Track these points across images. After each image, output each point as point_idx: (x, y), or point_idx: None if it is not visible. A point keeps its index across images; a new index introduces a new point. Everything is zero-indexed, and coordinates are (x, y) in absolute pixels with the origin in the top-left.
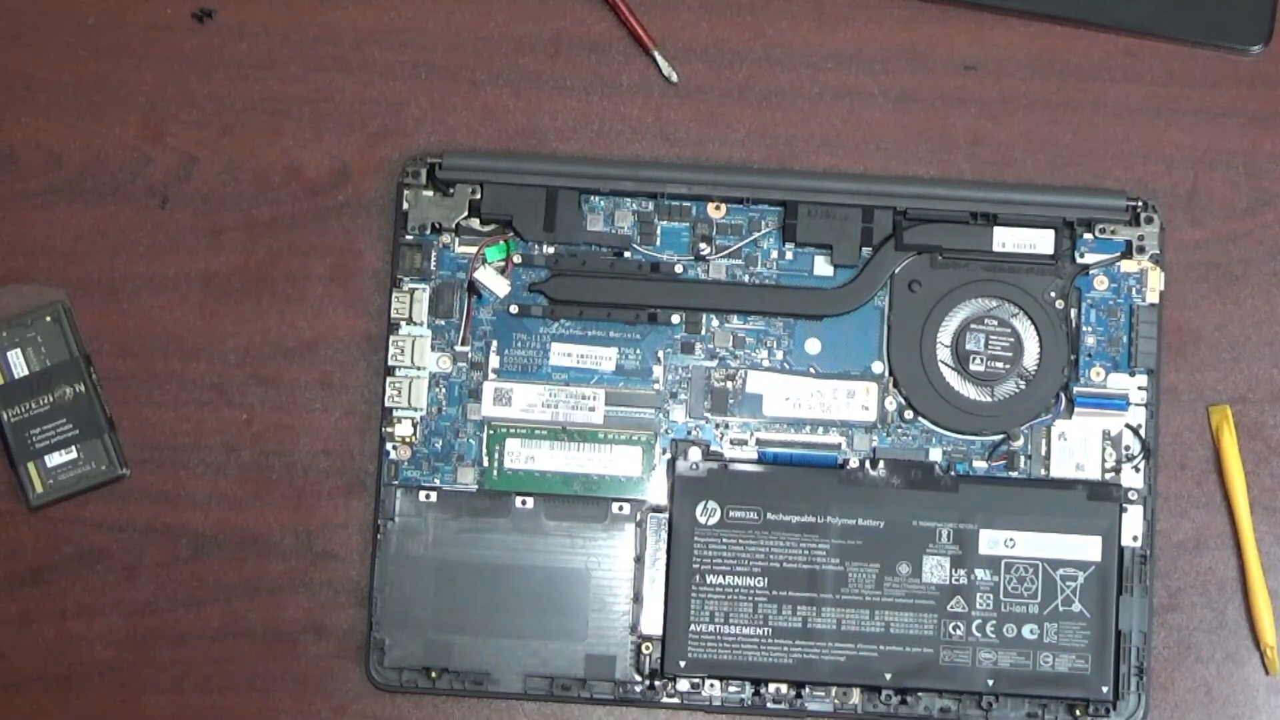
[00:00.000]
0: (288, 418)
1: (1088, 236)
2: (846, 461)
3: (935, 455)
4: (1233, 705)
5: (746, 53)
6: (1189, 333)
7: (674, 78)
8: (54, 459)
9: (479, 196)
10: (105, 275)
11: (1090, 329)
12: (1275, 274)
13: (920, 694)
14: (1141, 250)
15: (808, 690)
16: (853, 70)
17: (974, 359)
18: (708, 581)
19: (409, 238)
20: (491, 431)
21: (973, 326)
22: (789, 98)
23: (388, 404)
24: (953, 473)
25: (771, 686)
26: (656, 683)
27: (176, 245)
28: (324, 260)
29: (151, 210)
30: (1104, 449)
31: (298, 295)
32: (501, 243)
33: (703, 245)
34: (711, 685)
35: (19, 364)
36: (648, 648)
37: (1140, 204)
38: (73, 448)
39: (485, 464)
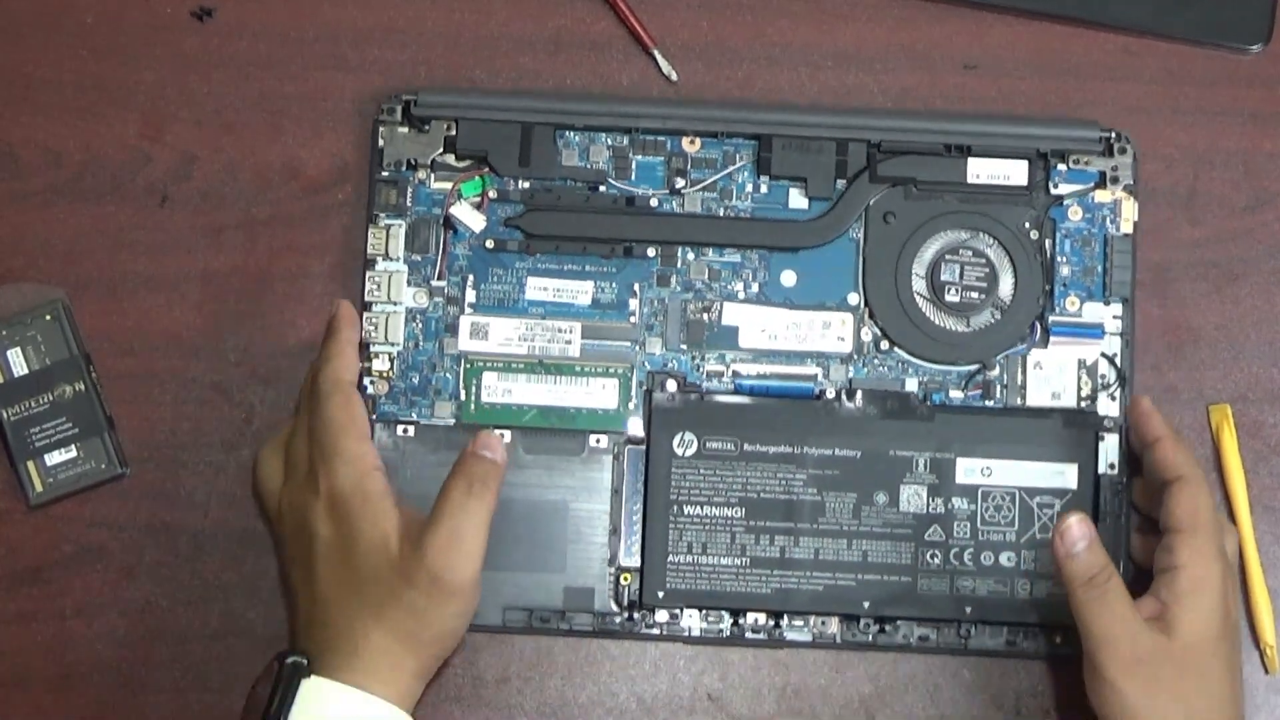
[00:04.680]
0: (287, 417)
1: (1061, 167)
2: (823, 392)
3: (911, 385)
4: None
5: (746, 52)
6: (1189, 332)
7: (674, 76)
8: (54, 457)
9: (454, 133)
10: (105, 274)
11: (1065, 259)
12: (1275, 273)
13: (899, 622)
14: (1115, 180)
15: (786, 620)
16: (852, 70)
17: (949, 289)
18: (685, 513)
19: (384, 174)
20: (468, 366)
21: (947, 257)
22: (788, 97)
23: (364, 339)
24: (929, 403)
25: (750, 616)
26: (635, 614)
27: (176, 244)
28: (323, 259)
29: (151, 209)
30: (1080, 378)
31: (297, 294)
32: (477, 178)
33: (678, 179)
34: (690, 616)
35: (18, 363)
36: (626, 579)
37: (1113, 135)
38: (72, 446)
39: (462, 398)
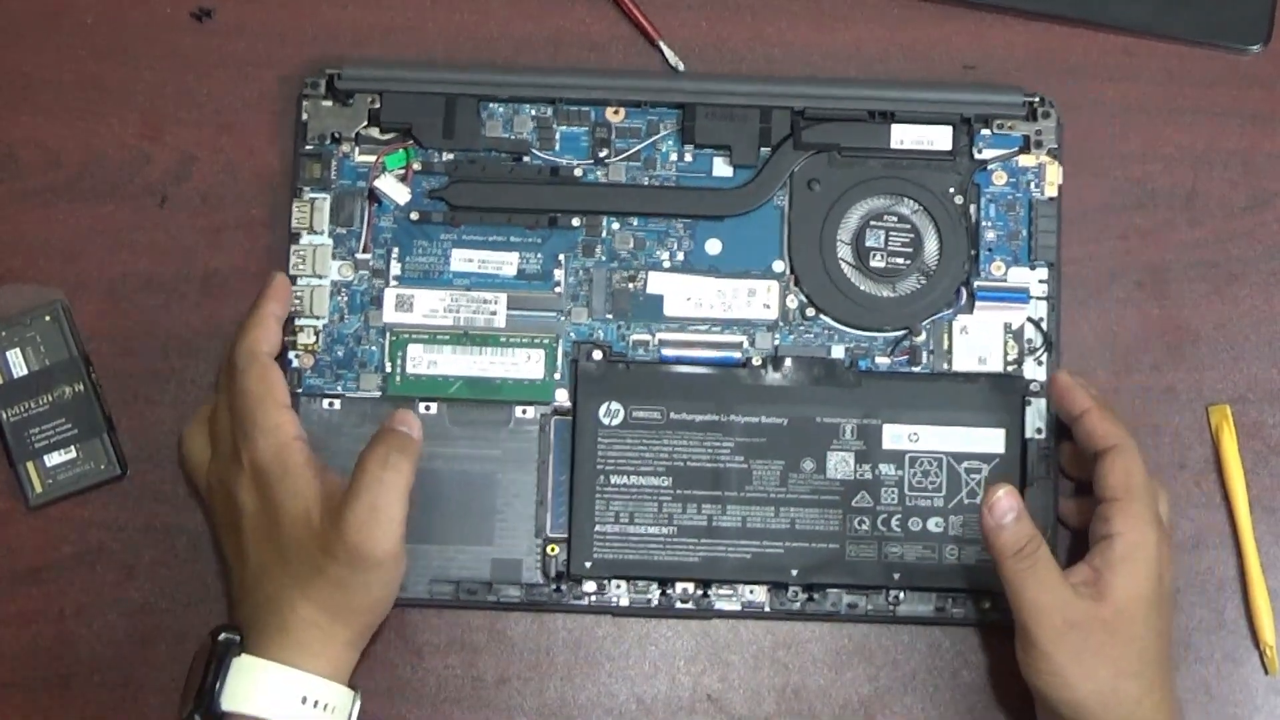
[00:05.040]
0: None
1: (985, 132)
2: (749, 360)
3: (838, 352)
4: (1232, 705)
5: (746, 51)
6: (1188, 332)
7: (681, 68)
8: (53, 458)
9: (378, 106)
10: (104, 274)
11: (990, 223)
12: (1274, 273)
13: (827, 590)
14: (1039, 145)
15: (714, 589)
16: (851, 70)
17: (874, 255)
18: (612, 482)
19: (309, 148)
20: (393, 338)
21: (872, 223)
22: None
23: (290, 312)
24: (855, 369)
25: (679, 586)
26: (563, 585)
27: (175, 244)
28: None
29: (150, 209)
30: (1006, 342)
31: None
32: (401, 151)
33: (602, 149)
34: (618, 586)
35: (18, 363)
36: (553, 550)
37: (1037, 99)
38: (72, 447)
39: (388, 370)
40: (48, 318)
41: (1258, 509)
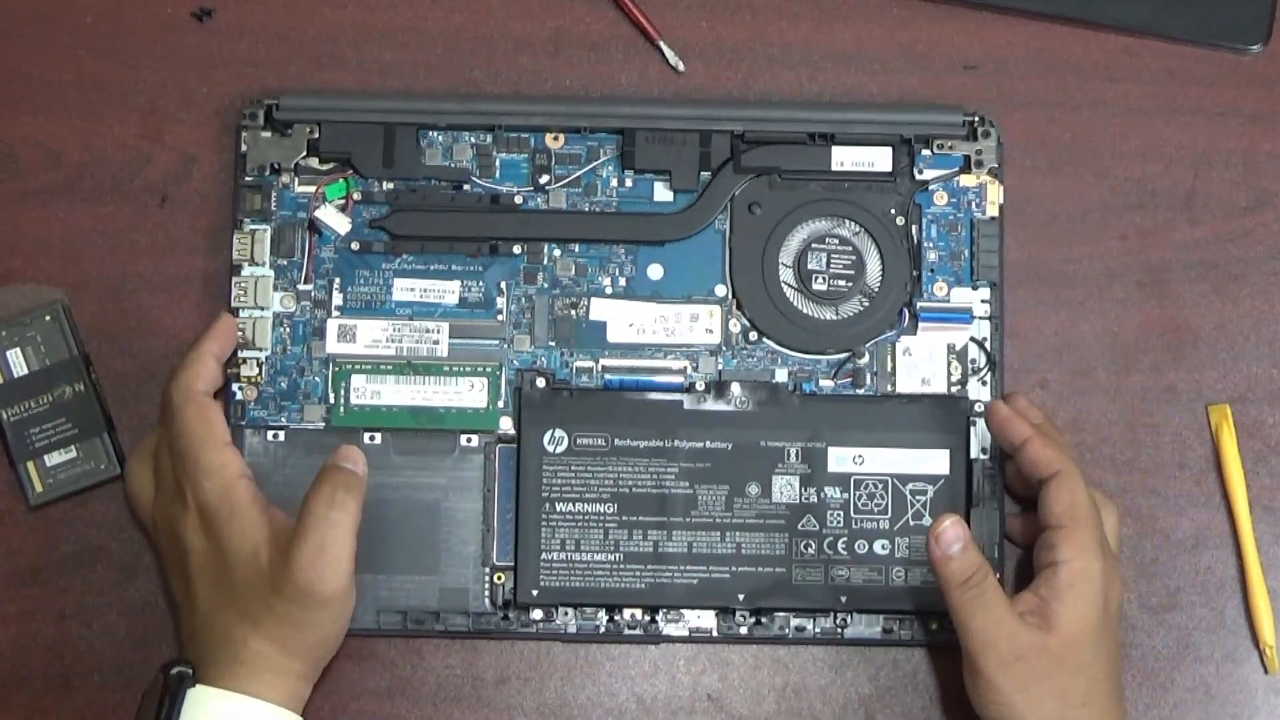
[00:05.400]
0: None
1: (926, 152)
2: (692, 385)
3: (781, 375)
4: (1232, 704)
5: (746, 51)
6: (1188, 332)
7: (681, 67)
8: (53, 458)
9: (317, 136)
10: (104, 274)
11: (931, 244)
12: (1274, 273)
13: (775, 614)
14: (980, 164)
15: (662, 615)
16: (852, 70)
17: (817, 278)
18: (557, 509)
19: (248, 179)
20: (336, 369)
21: (814, 246)
22: (789, 97)
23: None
24: (799, 392)
25: (626, 613)
26: (510, 613)
27: (176, 244)
28: None
29: (151, 209)
30: (949, 363)
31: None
32: (341, 180)
33: (542, 176)
34: (566, 614)
35: (18, 363)
36: (499, 578)
37: (976, 118)
38: (72, 447)
39: (331, 401)
40: (48, 318)
41: (1257, 509)
